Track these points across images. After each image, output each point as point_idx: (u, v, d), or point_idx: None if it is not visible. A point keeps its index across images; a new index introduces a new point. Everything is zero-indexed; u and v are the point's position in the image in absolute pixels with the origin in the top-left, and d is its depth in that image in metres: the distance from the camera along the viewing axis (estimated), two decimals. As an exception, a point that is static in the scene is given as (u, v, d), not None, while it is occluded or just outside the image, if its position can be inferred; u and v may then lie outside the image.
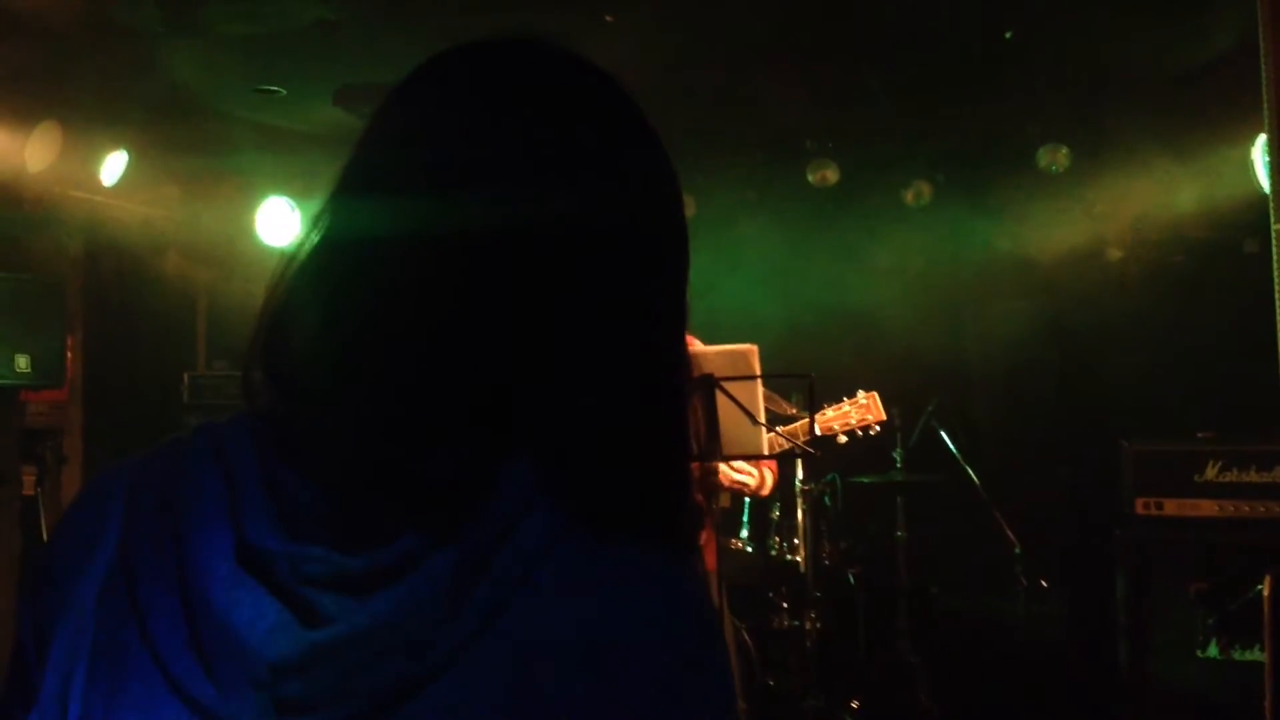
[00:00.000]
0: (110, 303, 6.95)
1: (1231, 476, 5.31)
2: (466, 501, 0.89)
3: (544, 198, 0.93)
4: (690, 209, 5.70)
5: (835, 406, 4.78)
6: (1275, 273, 3.07)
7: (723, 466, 4.43)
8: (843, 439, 4.72)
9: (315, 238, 0.98)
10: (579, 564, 0.89)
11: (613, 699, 0.86)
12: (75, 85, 5.88)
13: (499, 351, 0.91)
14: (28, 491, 6.26)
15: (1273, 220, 3.08)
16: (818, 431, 4.60)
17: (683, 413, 0.98)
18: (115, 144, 6.29)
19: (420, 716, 0.86)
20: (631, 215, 0.96)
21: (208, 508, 0.93)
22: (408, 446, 0.91)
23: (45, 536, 6.24)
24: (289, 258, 1.00)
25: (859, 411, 4.72)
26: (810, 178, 6.76)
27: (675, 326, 0.99)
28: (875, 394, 4.75)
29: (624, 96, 1.00)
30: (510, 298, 0.91)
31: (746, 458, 4.39)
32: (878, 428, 4.72)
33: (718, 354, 4.33)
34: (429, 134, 0.96)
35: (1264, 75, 3.03)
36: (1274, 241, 3.08)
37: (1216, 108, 5.75)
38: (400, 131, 0.99)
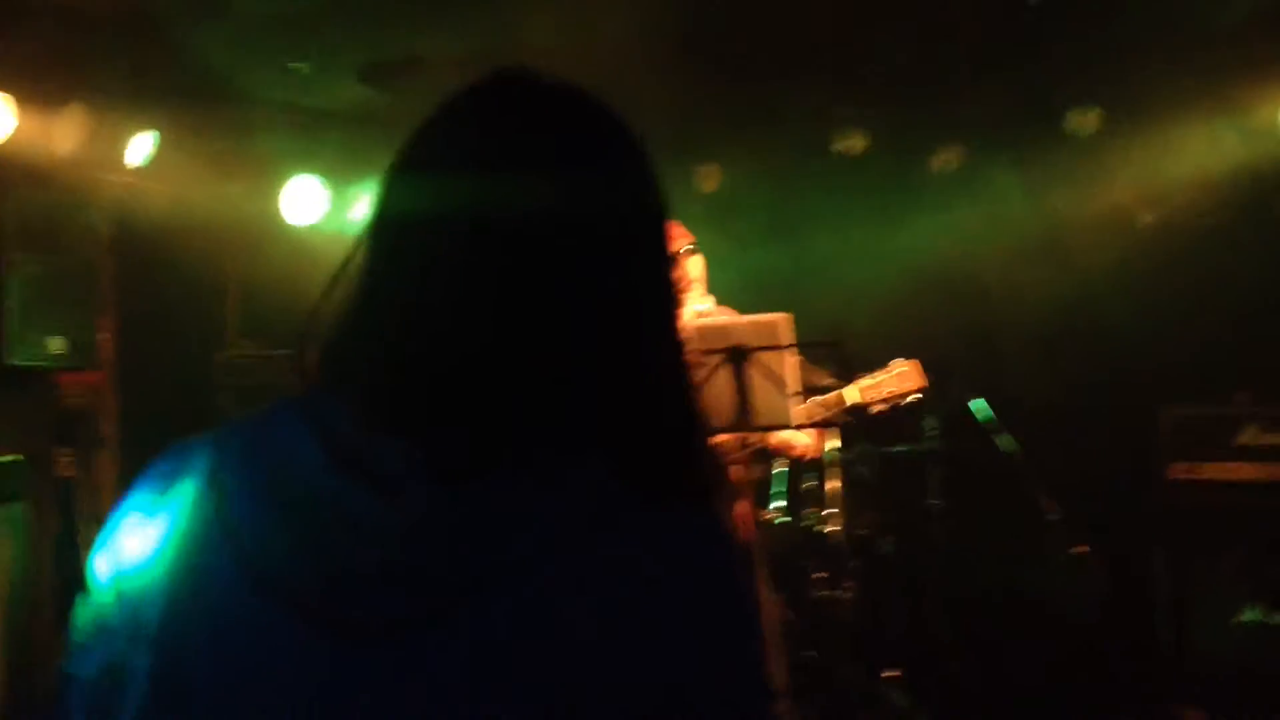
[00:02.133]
0: (142, 284, 6.96)
1: (1270, 439, 5.26)
2: (544, 443, 1.00)
3: (557, 204, 1.06)
4: (715, 181, 5.72)
5: (871, 375, 4.69)
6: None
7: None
8: (884, 407, 4.63)
9: (371, 246, 1.11)
10: (624, 531, 0.97)
11: (648, 653, 0.93)
12: (101, 68, 5.89)
13: (536, 331, 1.03)
14: (67, 473, 6.31)
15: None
16: (858, 397, 4.56)
17: (686, 382, 1.11)
18: (142, 125, 6.29)
19: (476, 628, 0.93)
20: (620, 212, 1.11)
21: (295, 436, 1.04)
22: (472, 419, 1.01)
23: (79, 518, 6.29)
24: (344, 265, 1.12)
25: (898, 381, 4.61)
26: (837, 146, 6.71)
27: (669, 305, 1.12)
28: (916, 361, 4.64)
29: (618, 123, 1.16)
30: (539, 283, 1.03)
31: (779, 428, 4.37)
32: (919, 395, 4.61)
33: (748, 324, 4.31)
34: (464, 156, 1.10)
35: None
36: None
37: (1247, 67, 5.68)
38: (441, 152, 1.12)
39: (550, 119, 1.13)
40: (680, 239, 4.60)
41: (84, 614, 1.12)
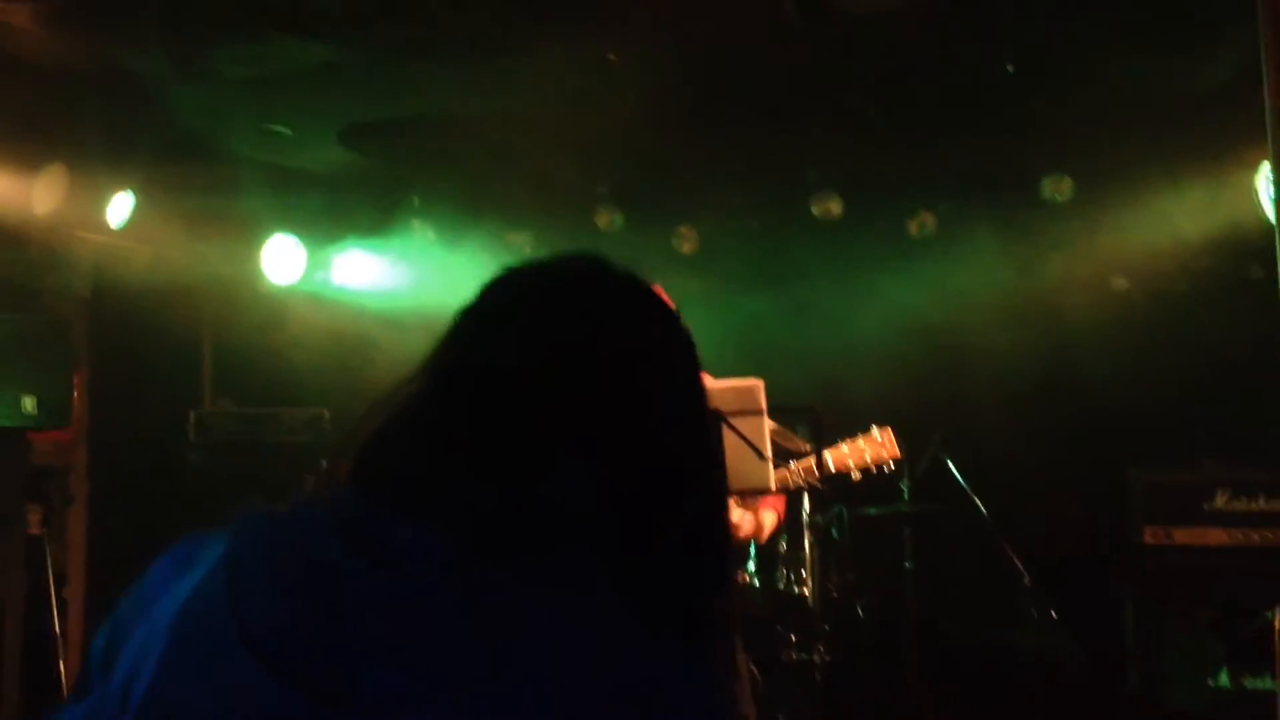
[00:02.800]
0: (116, 342, 6.96)
1: (1241, 504, 5.31)
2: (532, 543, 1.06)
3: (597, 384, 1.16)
4: (693, 243, 5.75)
5: (849, 441, 4.71)
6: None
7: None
8: (857, 476, 4.66)
9: (418, 385, 1.19)
10: (620, 648, 1.02)
11: None
12: (81, 128, 5.91)
13: (577, 483, 1.11)
14: (34, 530, 6.26)
15: (1279, 252, 3.08)
16: (830, 465, 4.58)
17: (723, 531, 1.22)
18: (121, 185, 6.31)
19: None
20: (660, 383, 1.21)
21: (317, 519, 1.09)
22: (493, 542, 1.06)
23: (51, 576, 6.24)
24: (392, 392, 1.20)
25: (873, 448, 4.64)
26: (814, 210, 6.79)
27: (709, 468, 1.22)
28: (889, 429, 4.67)
29: (652, 300, 1.26)
30: (586, 443, 1.12)
31: (754, 493, 4.38)
32: (892, 465, 4.64)
33: (723, 389, 4.32)
34: (529, 318, 1.20)
35: (1267, 103, 3.05)
36: None
37: (1219, 134, 5.77)
38: (508, 309, 1.22)
39: (607, 306, 1.22)
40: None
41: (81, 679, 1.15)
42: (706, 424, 1.24)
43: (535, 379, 1.14)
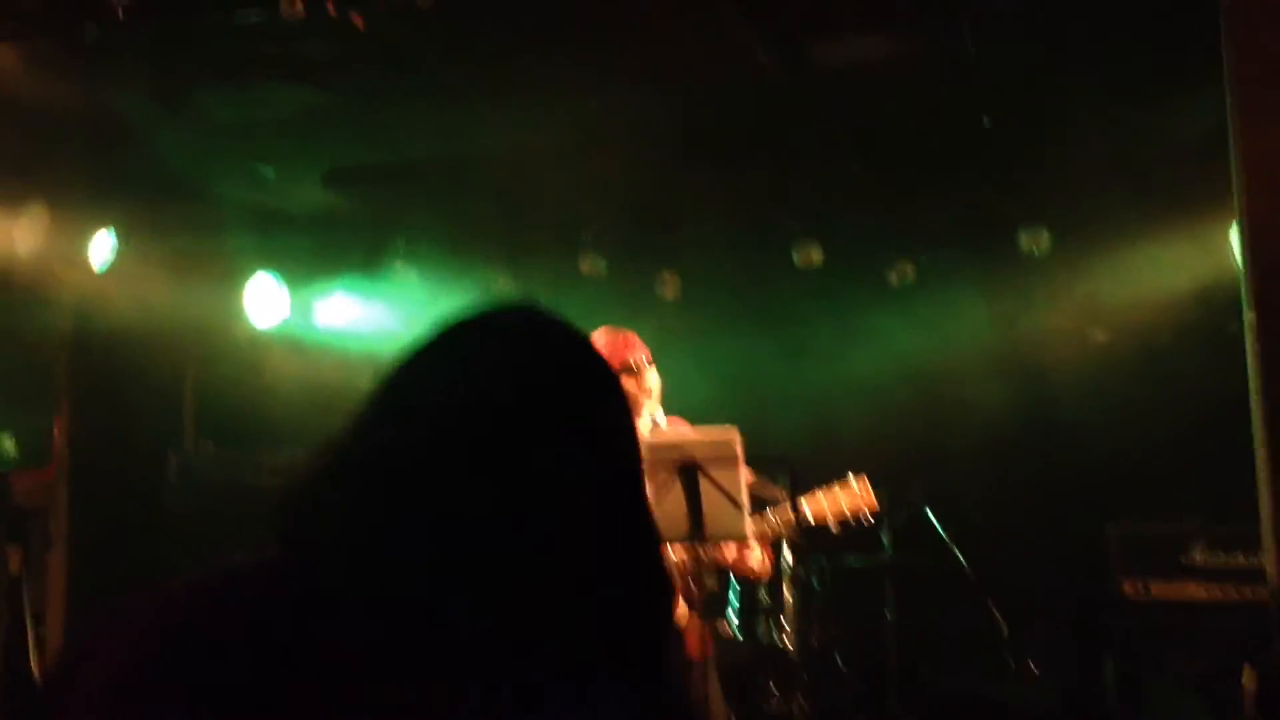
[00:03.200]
0: (98, 382, 6.93)
1: (1219, 559, 5.30)
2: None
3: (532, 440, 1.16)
4: (675, 289, 5.76)
5: (825, 490, 4.68)
6: (1250, 359, 3.09)
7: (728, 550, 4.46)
8: (835, 529, 4.62)
9: (348, 439, 1.20)
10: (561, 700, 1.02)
11: None
12: (64, 167, 5.92)
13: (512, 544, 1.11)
14: (13, 570, 6.22)
15: (1245, 308, 3.09)
16: (809, 516, 4.55)
17: (658, 577, 1.20)
18: (103, 224, 6.31)
19: None
20: (594, 446, 1.21)
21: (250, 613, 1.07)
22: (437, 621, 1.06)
23: (29, 617, 6.19)
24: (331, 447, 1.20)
25: (849, 498, 4.60)
26: (796, 258, 6.81)
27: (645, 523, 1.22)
28: (864, 477, 4.65)
29: (587, 352, 1.27)
30: (516, 510, 1.12)
31: (731, 539, 4.38)
32: (869, 517, 4.60)
33: (699, 439, 4.32)
34: (438, 387, 1.22)
35: (1233, 162, 3.07)
36: (1247, 330, 3.10)
37: (1197, 188, 5.79)
38: (420, 381, 1.24)
39: (556, 360, 1.24)
40: (638, 350, 4.65)
41: None
42: (637, 478, 1.25)
43: (463, 431, 1.14)
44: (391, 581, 1.06)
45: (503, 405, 1.17)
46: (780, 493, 4.71)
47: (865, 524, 4.56)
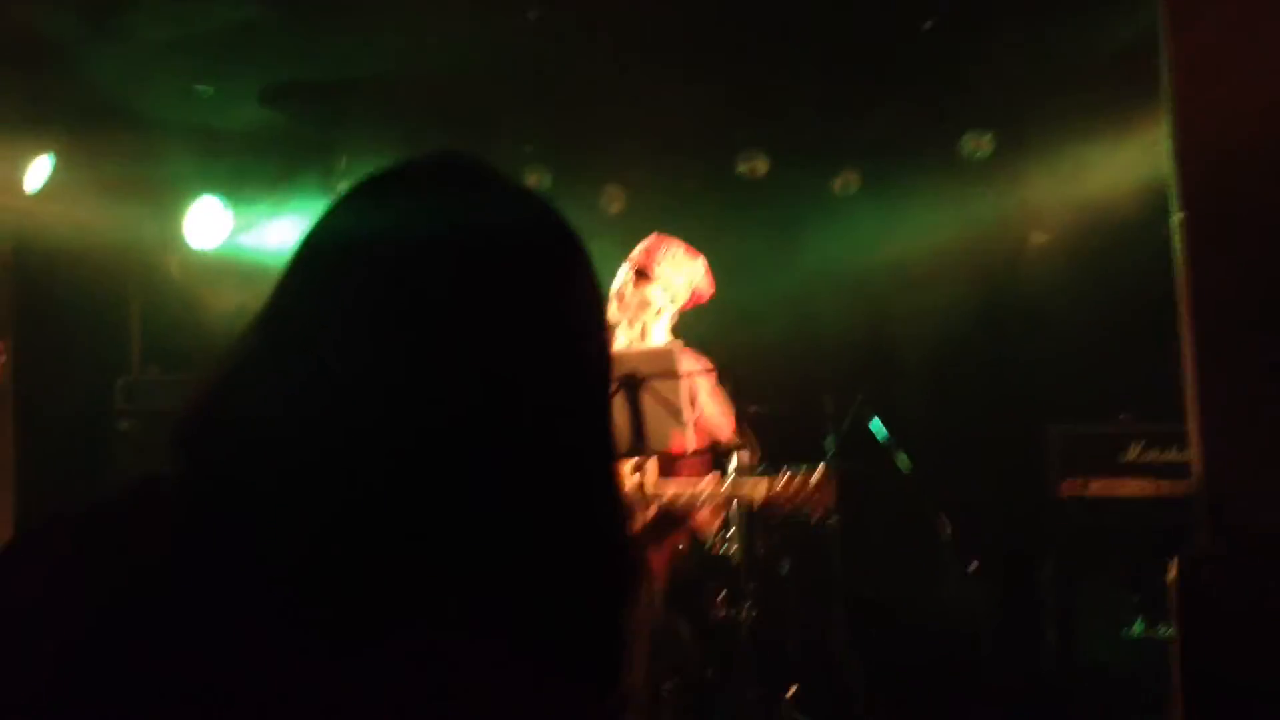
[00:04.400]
0: (41, 308, 6.87)
1: (1154, 456, 5.41)
2: (383, 623, 0.88)
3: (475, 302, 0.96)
4: (621, 202, 5.75)
5: (786, 477, 4.45)
6: (1177, 261, 3.14)
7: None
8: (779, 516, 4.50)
9: (254, 339, 1.01)
10: (499, 696, 0.88)
11: None
12: (-3, 91, 5.83)
13: (443, 456, 0.92)
14: (-39, 499, 6.21)
15: (1173, 210, 3.14)
16: (763, 495, 4.42)
17: (623, 542, 1.01)
18: (40, 149, 6.22)
19: None
20: (554, 321, 1.01)
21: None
22: (349, 565, 0.89)
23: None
24: (236, 342, 1.01)
25: (814, 494, 4.38)
26: (741, 168, 6.80)
27: (608, 448, 1.03)
28: (833, 477, 4.42)
29: (544, 209, 1.07)
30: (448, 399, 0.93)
31: (673, 458, 4.43)
32: (830, 519, 4.41)
33: (640, 352, 4.36)
34: (394, 216, 1.01)
35: (1163, 64, 3.10)
36: (1175, 230, 3.14)
37: (1137, 89, 5.81)
38: (370, 209, 1.03)
39: (492, 195, 1.04)
40: (654, 255, 4.63)
41: None
42: (604, 383, 1.05)
43: (385, 315, 0.94)
44: (299, 503, 0.90)
45: (438, 274, 0.95)
46: (752, 454, 4.62)
47: (812, 521, 4.43)
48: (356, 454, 0.91)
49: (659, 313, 4.65)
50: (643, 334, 4.67)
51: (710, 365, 4.65)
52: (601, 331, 1.06)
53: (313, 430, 0.92)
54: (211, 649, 0.88)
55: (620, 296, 4.64)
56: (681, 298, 4.69)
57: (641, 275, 4.64)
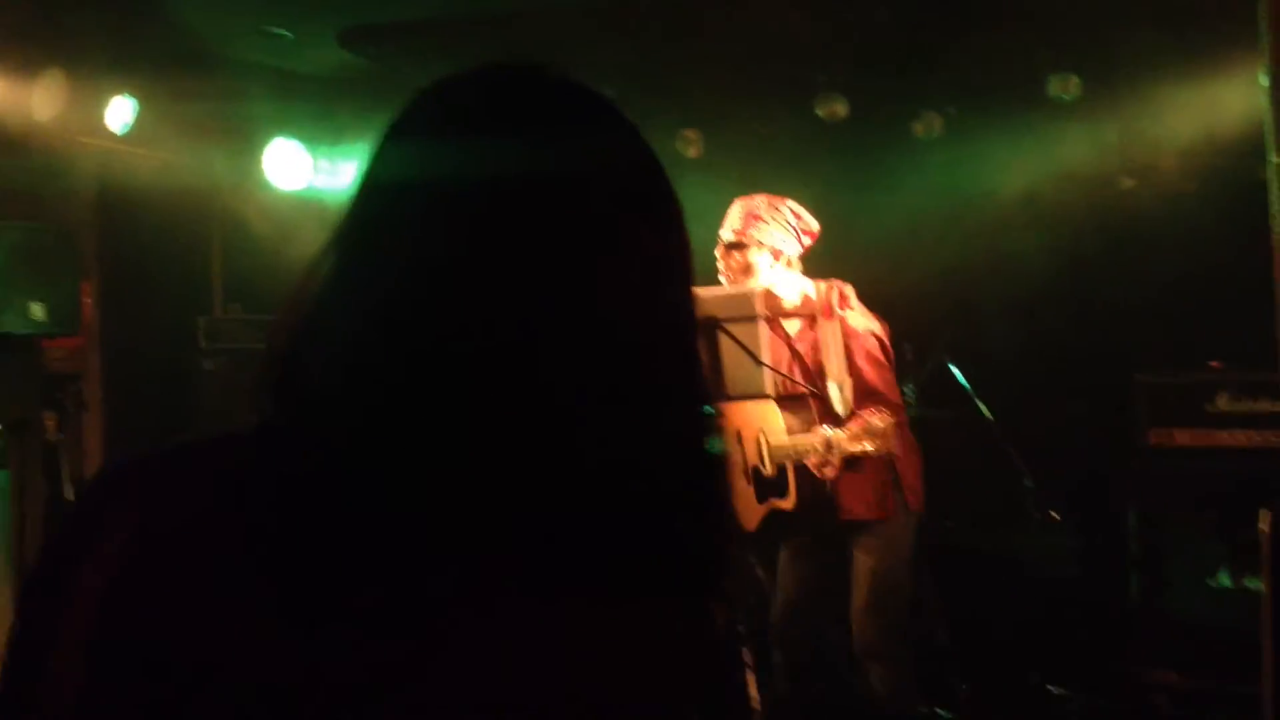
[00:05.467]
0: (125, 248, 6.98)
1: (1243, 406, 5.30)
2: (489, 554, 0.88)
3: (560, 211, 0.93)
4: (699, 147, 5.70)
5: (850, 425, 4.31)
6: (1273, 206, 3.05)
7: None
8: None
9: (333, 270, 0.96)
10: (588, 623, 0.89)
11: None
12: (79, 33, 5.88)
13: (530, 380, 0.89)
14: (50, 437, 6.34)
15: (1270, 154, 3.04)
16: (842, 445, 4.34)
17: (710, 459, 0.99)
18: (122, 90, 6.29)
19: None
20: (639, 233, 0.97)
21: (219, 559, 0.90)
22: (437, 496, 0.88)
23: (67, 483, 6.33)
24: (309, 277, 0.97)
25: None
26: (820, 112, 6.71)
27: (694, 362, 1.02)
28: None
29: (626, 122, 1.02)
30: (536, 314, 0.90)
31: (750, 397, 4.39)
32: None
33: (718, 295, 4.33)
34: (466, 127, 0.96)
35: (1261, 4, 2.99)
36: (1272, 175, 3.05)
37: (1229, 31, 5.66)
38: (441, 121, 0.98)
39: (558, 103, 0.98)
40: (754, 223, 4.58)
41: None
42: (692, 323, 1.03)
43: (466, 238, 0.90)
44: (399, 448, 0.87)
45: (521, 215, 0.91)
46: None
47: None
48: (449, 398, 0.88)
49: (772, 267, 4.59)
50: (777, 294, 4.62)
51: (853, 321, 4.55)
52: (687, 270, 1.02)
53: (399, 374, 0.89)
54: (325, 596, 0.87)
55: (725, 268, 4.61)
56: (789, 246, 4.61)
57: (734, 246, 4.60)
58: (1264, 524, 2.91)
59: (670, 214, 1.00)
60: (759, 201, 4.63)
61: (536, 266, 0.90)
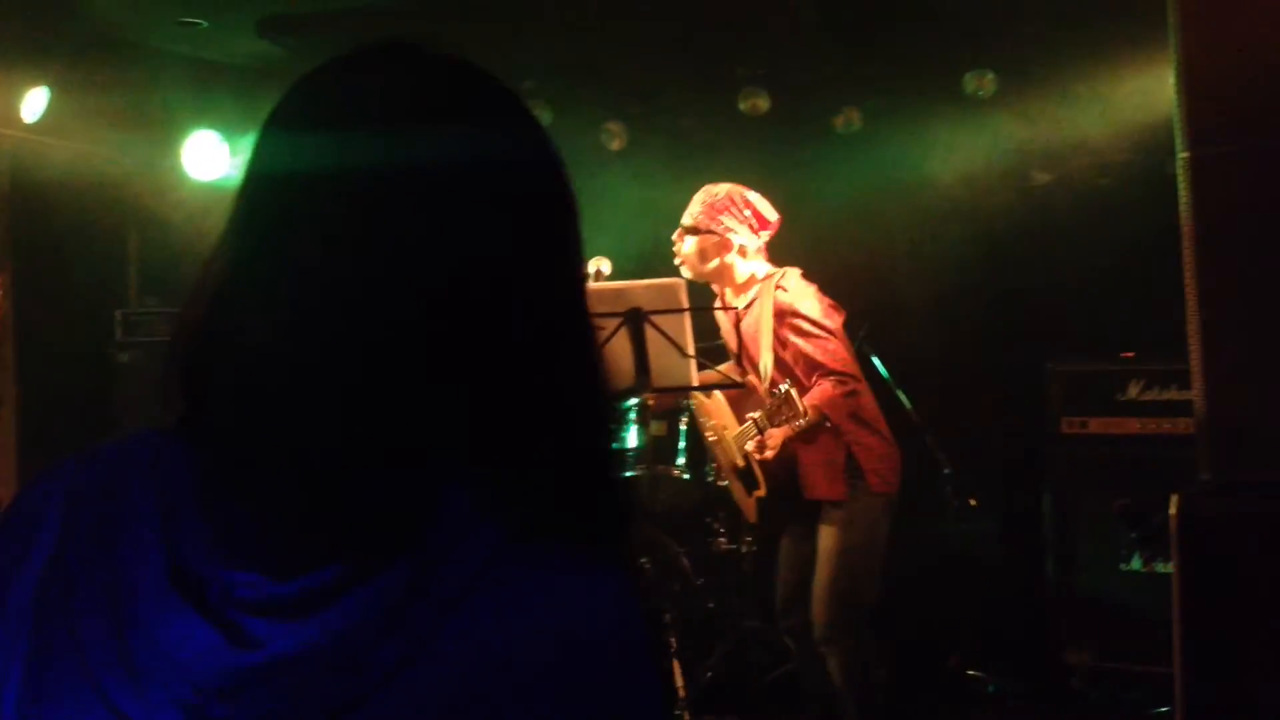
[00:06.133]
0: (39, 240, 6.85)
1: (1153, 395, 5.45)
2: (404, 528, 0.89)
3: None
4: (622, 140, 5.73)
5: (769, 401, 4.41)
6: (1182, 199, 3.13)
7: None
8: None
9: (237, 238, 0.97)
10: (515, 584, 0.89)
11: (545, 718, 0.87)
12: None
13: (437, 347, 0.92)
14: (-38, 432, 6.23)
15: (1179, 148, 3.13)
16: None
17: (606, 409, 1.01)
18: (36, 80, 6.18)
19: None
20: (521, 172, 0.99)
21: (142, 527, 0.94)
22: (347, 472, 0.90)
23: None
24: (211, 258, 0.97)
25: (788, 410, 4.26)
26: (742, 105, 6.76)
27: (582, 319, 1.01)
28: (794, 389, 4.30)
29: (509, 91, 1.03)
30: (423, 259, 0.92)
31: (674, 390, 4.43)
32: (800, 422, 4.28)
33: (645, 288, 4.36)
34: (350, 109, 0.96)
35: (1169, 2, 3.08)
36: (1181, 169, 3.14)
37: (1140, 28, 5.78)
38: (324, 105, 0.98)
39: (443, 78, 0.99)
40: (704, 214, 4.60)
41: None
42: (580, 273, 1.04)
43: (363, 249, 0.91)
44: (302, 430, 0.90)
45: (402, 183, 0.92)
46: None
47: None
48: (348, 385, 0.91)
49: (726, 256, 4.58)
50: (732, 282, 4.62)
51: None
52: (577, 250, 1.03)
53: (293, 365, 0.91)
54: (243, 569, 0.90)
55: (679, 253, 4.63)
56: (741, 237, 4.60)
57: (689, 231, 4.62)
58: (1173, 509, 2.99)
59: (560, 194, 1.01)
60: (720, 190, 4.64)
61: (424, 251, 0.92)
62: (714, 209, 4.56)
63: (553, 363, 0.96)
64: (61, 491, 0.98)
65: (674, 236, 4.64)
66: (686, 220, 4.61)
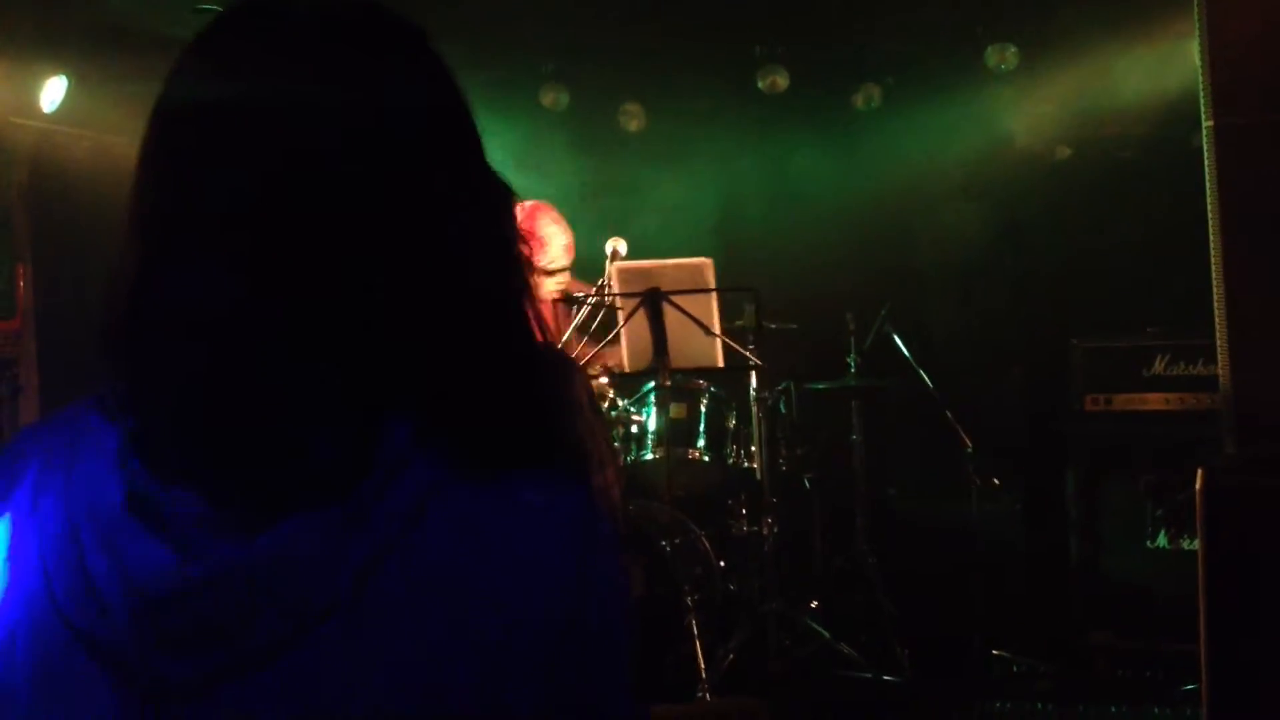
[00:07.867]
0: (59, 230, 6.87)
1: (1178, 370, 5.38)
2: (346, 473, 0.91)
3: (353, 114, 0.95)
4: (640, 120, 5.71)
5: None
6: (1207, 169, 3.09)
7: None
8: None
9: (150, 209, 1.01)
10: (456, 513, 0.91)
11: (495, 641, 0.88)
12: (9, 13, 5.77)
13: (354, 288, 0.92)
14: (-13, 419, 6.25)
15: (1204, 117, 3.08)
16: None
17: (525, 328, 1.01)
18: (54, 70, 6.18)
19: (302, 664, 0.88)
20: (427, 114, 1.00)
21: (100, 462, 0.97)
22: (284, 433, 0.92)
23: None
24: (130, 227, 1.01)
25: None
26: (760, 84, 6.72)
27: (497, 216, 1.02)
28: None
29: (413, 29, 1.04)
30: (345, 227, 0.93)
31: (699, 371, 4.42)
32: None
33: (671, 266, 4.35)
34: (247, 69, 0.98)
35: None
36: (1207, 140, 3.09)
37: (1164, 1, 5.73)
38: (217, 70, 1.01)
39: (337, 22, 0.99)
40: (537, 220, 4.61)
41: None
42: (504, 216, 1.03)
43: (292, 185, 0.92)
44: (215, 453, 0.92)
45: (300, 133, 0.94)
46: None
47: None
48: (266, 349, 0.92)
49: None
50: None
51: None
52: (494, 194, 1.03)
53: (235, 297, 0.93)
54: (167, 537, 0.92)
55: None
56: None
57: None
58: (1198, 484, 2.95)
59: (466, 140, 1.03)
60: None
61: (343, 178, 0.93)
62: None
63: (474, 284, 0.96)
64: (38, 445, 1.03)
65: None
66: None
